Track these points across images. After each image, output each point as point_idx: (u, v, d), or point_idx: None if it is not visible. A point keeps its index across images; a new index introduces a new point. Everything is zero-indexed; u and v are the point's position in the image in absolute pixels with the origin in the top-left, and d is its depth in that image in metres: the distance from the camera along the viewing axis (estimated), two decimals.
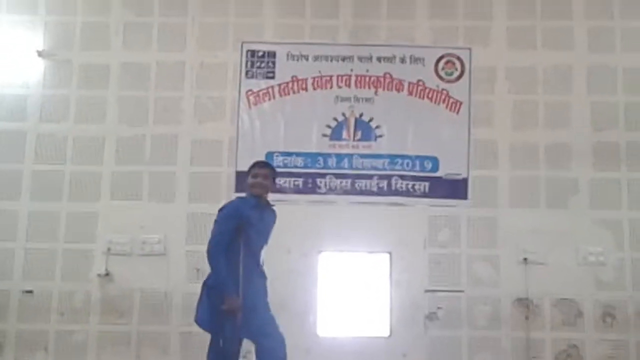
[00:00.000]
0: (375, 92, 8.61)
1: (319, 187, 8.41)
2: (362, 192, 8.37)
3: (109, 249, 8.22)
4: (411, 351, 7.92)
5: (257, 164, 6.05)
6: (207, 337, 7.97)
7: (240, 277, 5.62)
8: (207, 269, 8.11)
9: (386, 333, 8.15)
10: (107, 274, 8.17)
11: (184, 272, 8.20)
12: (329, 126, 8.56)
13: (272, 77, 8.64)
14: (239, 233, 5.68)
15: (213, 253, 5.67)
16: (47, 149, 8.49)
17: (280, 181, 8.33)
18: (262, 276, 5.86)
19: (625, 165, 8.35)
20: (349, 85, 8.65)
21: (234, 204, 5.92)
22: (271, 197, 8.15)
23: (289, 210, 8.14)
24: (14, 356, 8.06)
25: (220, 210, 5.87)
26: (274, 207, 6.05)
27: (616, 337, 7.99)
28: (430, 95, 8.58)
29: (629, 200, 8.26)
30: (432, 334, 7.95)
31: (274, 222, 6.00)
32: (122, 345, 8.02)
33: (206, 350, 7.69)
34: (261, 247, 5.82)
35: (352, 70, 8.65)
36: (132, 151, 8.50)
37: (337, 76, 8.65)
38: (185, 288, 8.12)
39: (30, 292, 8.15)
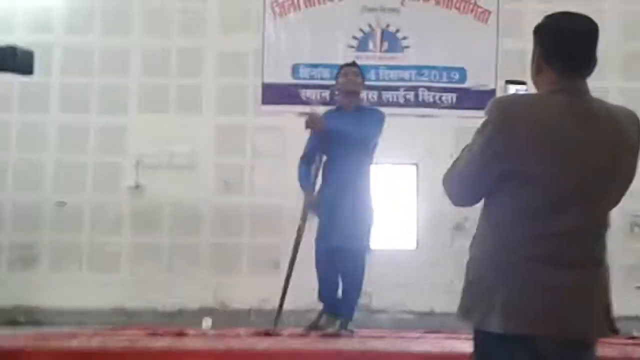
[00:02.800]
0: (402, 2, 8.48)
1: None
2: (389, 104, 8.31)
3: (138, 162, 8.30)
4: (438, 263, 7.98)
5: (345, 65, 6.02)
6: (236, 247, 8.21)
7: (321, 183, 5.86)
8: (234, 182, 8.30)
9: (413, 245, 8.23)
10: (137, 187, 8.27)
11: (213, 184, 8.29)
12: (355, 37, 8.48)
13: None
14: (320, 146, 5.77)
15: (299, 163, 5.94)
16: (74, 62, 8.49)
17: (306, 93, 8.33)
18: (339, 187, 5.68)
19: None
20: None
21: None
22: (298, 109, 8.27)
23: None
24: (48, 267, 8.25)
25: None
26: (374, 109, 6.13)
27: None
28: (457, 5, 8.46)
29: None
30: (459, 245, 7.99)
31: (368, 124, 5.71)
32: (155, 256, 8.18)
33: (235, 261, 7.89)
34: (344, 155, 5.62)
35: None
36: (158, 64, 8.48)
37: None
38: (214, 200, 8.23)
39: (64, 203, 8.29)
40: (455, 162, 2.48)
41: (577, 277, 2.29)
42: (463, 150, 2.47)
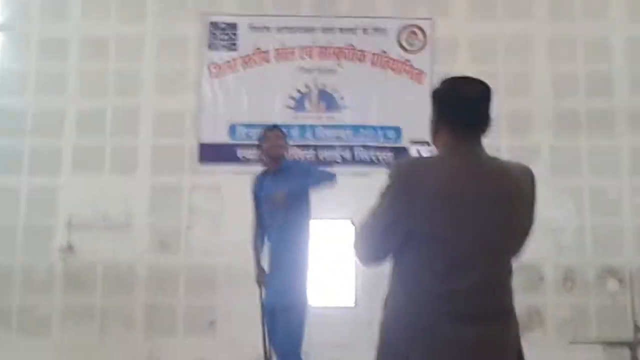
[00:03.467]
0: (338, 64, 8.60)
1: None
2: (325, 162, 8.34)
3: (70, 222, 8.15)
4: (376, 320, 7.90)
5: (266, 130, 6.13)
6: (171, 307, 8.06)
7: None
8: (170, 242, 8.19)
9: (351, 302, 8.19)
10: (69, 247, 8.11)
11: (147, 244, 8.17)
12: (292, 97, 8.56)
13: (235, 49, 8.60)
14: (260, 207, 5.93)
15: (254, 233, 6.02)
16: (6, 122, 8.37)
17: (243, 153, 8.34)
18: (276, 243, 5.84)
19: (586, 133, 8.43)
20: (312, 57, 8.64)
21: (252, 183, 6.10)
22: (232, 169, 8.27)
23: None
24: None
25: None
26: (296, 162, 6.61)
27: (576, 301, 8.11)
28: (393, 66, 8.60)
29: (589, 167, 8.37)
30: None
31: (296, 177, 5.83)
32: (87, 319, 7.97)
33: (170, 321, 7.80)
34: (272, 215, 5.78)
35: (314, 41, 8.64)
36: (93, 124, 8.41)
37: (300, 48, 8.63)
38: (149, 260, 8.11)
39: None
40: (361, 223, 2.58)
41: (489, 329, 2.35)
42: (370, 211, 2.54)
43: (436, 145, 2.60)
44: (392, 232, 2.43)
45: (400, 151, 8.27)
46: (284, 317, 5.71)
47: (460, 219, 2.37)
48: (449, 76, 2.62)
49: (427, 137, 2.82)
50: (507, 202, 2.43)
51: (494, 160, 2.53)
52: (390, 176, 2.48)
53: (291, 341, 5.74)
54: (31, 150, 8.33)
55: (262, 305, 5.92)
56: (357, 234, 2.60)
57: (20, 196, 8.24)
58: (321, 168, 6.29)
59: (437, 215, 2.36)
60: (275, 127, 6.24)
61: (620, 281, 8.11)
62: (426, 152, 2.75)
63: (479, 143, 2.52)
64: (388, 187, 2.46)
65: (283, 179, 5.79)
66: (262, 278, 5.92)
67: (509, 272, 2.47)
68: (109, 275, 8.06)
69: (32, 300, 8.02)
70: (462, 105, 2.51)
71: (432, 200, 2.37)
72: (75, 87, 8.49)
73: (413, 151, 2.70)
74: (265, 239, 5.94)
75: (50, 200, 8.23)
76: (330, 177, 5.99)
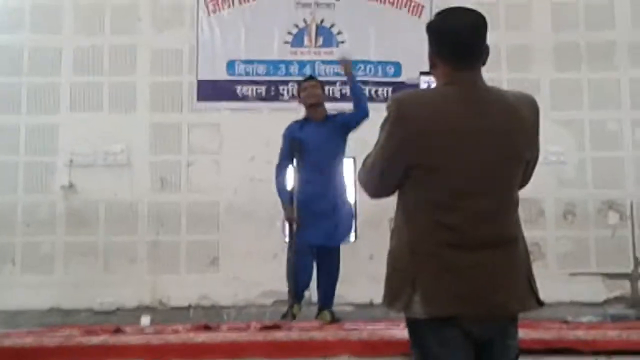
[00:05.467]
0: None
1: (282, 95, 8.38)
2: (325, 98, 8.30)
3: (71, 161, 8.15)
4: (377, 255, 7.99)
5: (303, 80, 6.52)
6: (173, 244, 8.13)
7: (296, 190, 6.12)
8: (171, 179, 8.22)
9: (352, 238, 8.25)
10: (70, 186, 8.12)
11: (149, 182, 8.19)
12: (290, 33, 8.48)
13: None
14: (294, 153, 6.19)
15: (275, 172, 6.34)
16: (3, 61, 8.30)
17: (242, 89, 8.30)
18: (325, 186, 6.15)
19: (586, 66, 8.39)
20: None
21: (286, 128, 6.39)
22: (231, 106, 8.26)
23: (252, 118, 8.18)
24: None
25: None
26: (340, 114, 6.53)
27: (576, 234, 8.18)
28: (391, 0, 8.50)
29: (589, 101, 8.35)
30: None
31: (340, 128, 6.26)
32: (90, 256, 8.01)
33: (173, 258, 7.90)
34: (322, 160, 6.12)
35: None
36: (91, 61, 8.35)
37: None
38: (150, 198, 8.14)
39: None
40: (366, 158, 2.59)
41: (491, 256, 2.39)
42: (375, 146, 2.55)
43: (436, 79, 2.59)
44: (393, 166, 2.46)
45: (400, 86, 8.22)
46: (331, 258, 6.19)
47: (460, 150, 2.39)
48: (444, 8, 2.60)
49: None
50: (508, 131, 2.44)
51: (495, 90, 2.54)
52: (388, 111, 2.48)
53: (334, 279, 6.28)
54: (29, 88, 8.27)
55: (295, 243, 6.11)
56: (361, 170, 2.62)
57: (20, 135, 8.21)
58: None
59: (436, 148, 2.38)
60: (311, 77, 6.63)
61: (621, 214, 8.17)
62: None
63: (477, 74, 2.52)
64: (386, 122, 2.48)
65: (327, 130, 6.18)
66: (292, 215, 6.10)
67: (513, 202, 2.49)
68: (111, 213, 8.09)
69: (36, 238, 8.05)
70: (456, 37, 2.50)
71: (430, 133, 2.39)
72: (71, 25, 8.39)
73: (424, 82, 2.71)
74: (298, 181, 6.14)
75: (50, 138, 8.20)
76: (367, 114, 6.17)
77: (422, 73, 2.33)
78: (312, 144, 6.14)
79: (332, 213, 6.09)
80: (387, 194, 2.58)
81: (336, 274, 6.28)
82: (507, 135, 2.43)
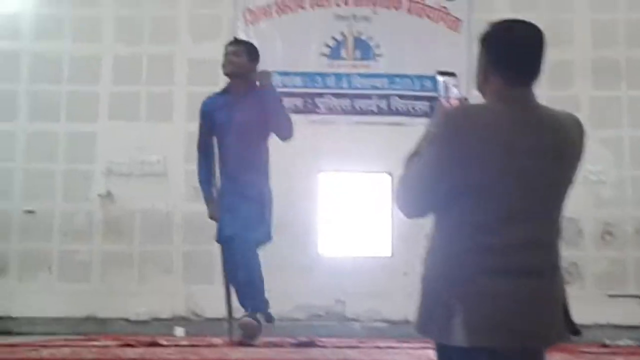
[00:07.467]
0: (374, 11, 8.49)
1: (318, 107, 8.37)
2: (361, 112, 8.33)
3: (108, 169, 8.22)
4: (413, 271, 7.93)
5: (227, 44, 5.52)
6: (208, 255, 8.13)
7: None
8: None
9: (388, 252, 8.23)
10: (108, 194, 8.19)
11: (184, 191, 8.22)
12: (327, 45, 8.47)
13: None
14: (211, 133, 5.44)
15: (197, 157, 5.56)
16: (43, 69, 8.40)
17: None
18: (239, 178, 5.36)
19: (626, 83, 8.30)
20: (347, 3, 8.52)
21: (202, 102, 5.60)
22: None
23: None
24: (18, 276, 8.12)
25: None
26: (265, 90, 5.47)
27: (614, 255, 8.08)
28: (429, 14, 8.48)
29: (629, 118, 8.26)
30: None
31: (263, 107, 5.31)
32: (125, 265, 8.08)
33: (207, 269, 7.79)
34: (237, 142, 5.32)
35: None
36: (129, 71, 8.42)
37: None
38: (186, 207, 8.15)
39: (32, 212, 8.16)
40: (401, 175, 2.48)
41: (534, 285, 2.30)
42: (407, 160, 2.47)
43: (484, 93, 2.49)
44: (438, 185, 2.35)
45: (437, 101, 8.17)
46: (235, 251, 5.28)
47: (512, 171, 2.29)
48: (500, 20, 2.49)
49: (456, 71, 2.78)
50: (559, 154, 2.35)
51: (546, 109, 2.43)
52: (439, 124, 2.37)
53: (248, 273, 5.24)
54: (68, 96, 8.35)
55: (221, 244, 5.43)
56: (400, 186, 2.49)
57: (59, 143, 8.30)
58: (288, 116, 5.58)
59: (487, 168, 2.29)
60: (235, 41, 5.67)
61: None
62: (453, 84, 2.66)
63: (531, 91, 2.42)
64: (435, 136, 2.36)
65: (245, 107, 5.28)
66: (217, 212, 5.46)
67: (557, 231, 2.40)
68: (146, 223, 8.14)
69: (72, 246, 8.13)
70: (518, 50, 2.40)
71: (482, 151, 2.28)
72: (111, 34, 8.47)
73: (441, 82, 2.60)
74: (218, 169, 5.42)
75: (88, 147, 8.28)
76: (290, 133, 5.45)
77: (440, 73, 2.25)
78: (226, 124, 5.33)
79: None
80: (425, 213, 2.46)
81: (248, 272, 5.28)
82: (560, 159, 2.36)
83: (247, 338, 5.10)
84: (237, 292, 5.37)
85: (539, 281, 2.32)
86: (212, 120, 5.41)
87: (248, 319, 5.06)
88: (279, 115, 5.39)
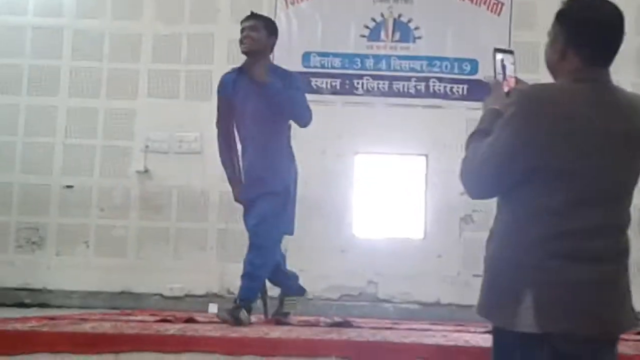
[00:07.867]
0: None
1: (356, 88, 8.36)
2: (399, 94, 8.30)
3: (147, 146, 8.30)
4: (446, 253, 7.98)
5: (242, 20, 5.06)
6: (242, 235, 8.17)
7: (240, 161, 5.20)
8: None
9: (421, 235, 8.23)
10: (145, 171, 8.27)
11: (220, 170, 8.21)
12: (367, 26, 8.45)
13: None
14: (230, 117, 5.14)
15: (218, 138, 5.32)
16: (84, 46, 8.48)
17: (317, 82, 8.30)
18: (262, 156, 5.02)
19: None
20: None
21: (219, 82, 5.28)
22: (307, 97, 8.21)
23: (325, 111, 8.15)
24: (55, 249, 8.26)
25: None
26: (287, 73, 5.15)
27: None
28: None
29: None
30: (467, 237, 7.99)
31: (277, 92, 4.85)
32: (161, 241, 8.18)
33: (242, 247, 7.75)
34: (256, 130, 4.98)
35: None
36: (169, 49, 8.47)
37: None
38: (221, 186, 8.14)
39: (71, 187, 8.28)
40: (469, 154, 2.41)
41: (605, 271, 2.25)
42: (472, 138, 2.42)
43: (557, 72, 2.40)
44: (511, 166, 2.27)
45: (477, 84, 8.13)
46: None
47: (589, 154, 2.22)
48: None
49: (525, 68, 2.70)
50: (634, 138, 2.29)
51: (622, 91, 2.36)
52: (513, 104, 2.28)
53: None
54: (109, 73, 8.43)
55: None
56: (467, 165, 2.40)
57: (99, 119, 8.39)
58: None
59: (563, 150, 2.21)
60: (251, 16, 5.06)
61: None
62: (511, 62, 2.57)
63: (608, 72, 2.33)
64: (510, 116, 2.27)
65: (262, 89, 4.80)
66: (243, 194, 5.17)
67: (629, 214, 2.33)
68: (183, 200, 8.24)
69: (109, 222, 8.26)
70: (600, 29, 2.30)
71: (557, 133, 2.21)
72: (152, 13, 8.52)
73: (497, 60, 2.51)
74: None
75: (127, 123, 8.38)
76: (307, 121, 5.05)
77: (497, 50, 2.18)
78: (243, 111, 4.98)
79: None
80: (494, 195, 2.39)
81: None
82: (635, 142, 2.29)
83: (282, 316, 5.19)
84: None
85: (610, 267, 2.25)
86: (230, 104, 5.11)
87: (226, 316, 4.86)
88: (286, 108, 4.93)
